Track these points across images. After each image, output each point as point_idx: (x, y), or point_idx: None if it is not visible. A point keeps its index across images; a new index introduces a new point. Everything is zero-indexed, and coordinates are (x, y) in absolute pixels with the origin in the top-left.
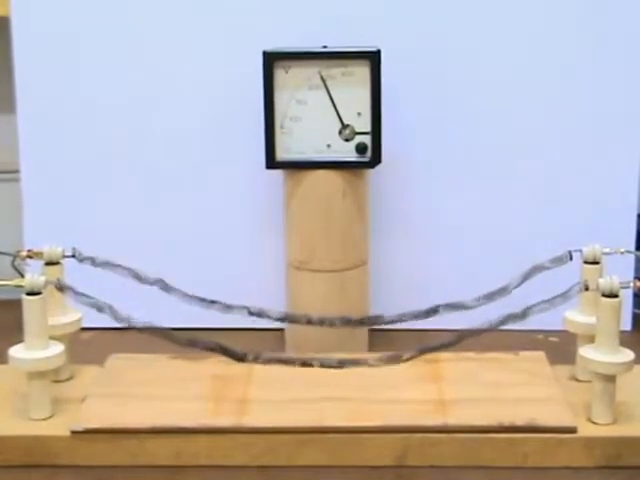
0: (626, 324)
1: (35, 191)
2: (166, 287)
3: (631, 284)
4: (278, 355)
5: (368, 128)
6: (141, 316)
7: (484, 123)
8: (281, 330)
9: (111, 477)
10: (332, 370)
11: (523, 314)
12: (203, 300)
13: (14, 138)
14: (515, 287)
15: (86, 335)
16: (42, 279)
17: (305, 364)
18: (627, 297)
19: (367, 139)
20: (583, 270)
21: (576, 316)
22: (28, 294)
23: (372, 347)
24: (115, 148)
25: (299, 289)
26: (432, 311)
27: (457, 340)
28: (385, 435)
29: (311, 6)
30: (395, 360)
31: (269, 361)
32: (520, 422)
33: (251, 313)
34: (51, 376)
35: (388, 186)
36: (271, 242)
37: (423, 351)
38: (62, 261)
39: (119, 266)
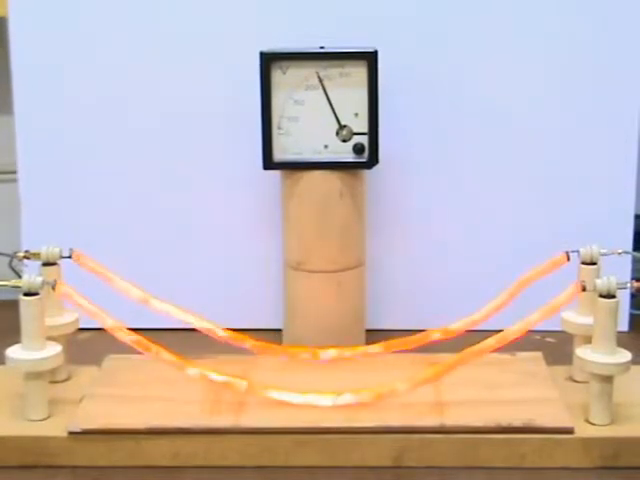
0: (623, 325)
1: (32, 192)
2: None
3: (628, 285)
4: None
5: (365, 129)
6: (140, 315)
7: (482, 124)
8: (279, 330)
9: (108, 478)
10: (329, 371)
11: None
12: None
13: (11, 139)
14: (510, 300)
15: (84, 336)
16: (39, 280)
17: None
18: (624, 298)
19: (364, 140)
20: (580, 271)
21: (573, 317)
22: (25, 295)
23: None
24: (112, 149)
25: (296, 290)
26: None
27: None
28: (382, 436)
29: (308, 6)
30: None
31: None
32: (518, 423)
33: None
34: (48, 377)
35: (385, 187)
36: (268, 243)
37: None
38: (59, 262)
39: (113, 278)
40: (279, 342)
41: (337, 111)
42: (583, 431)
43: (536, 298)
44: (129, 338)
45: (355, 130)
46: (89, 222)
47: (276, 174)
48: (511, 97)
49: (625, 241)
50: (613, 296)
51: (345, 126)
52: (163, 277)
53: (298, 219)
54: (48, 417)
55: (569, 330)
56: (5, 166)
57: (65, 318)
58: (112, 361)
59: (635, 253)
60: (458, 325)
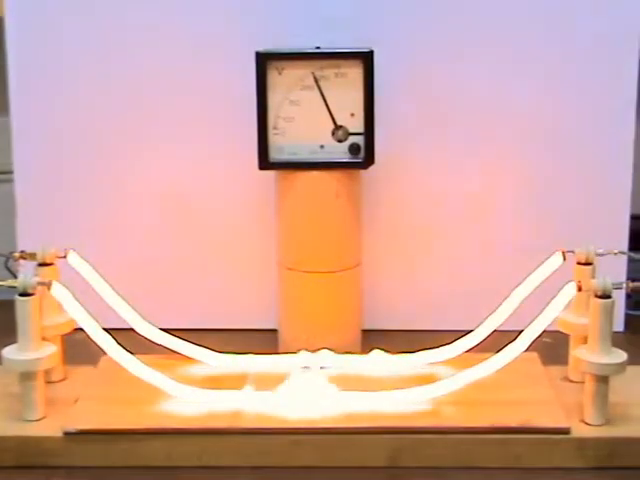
0: (619, 325)
1: (29, 192)
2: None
3: (624, 285)
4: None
5: (361, 129)
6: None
7: (478, 124)
8: (274, 331)
9: (104, 478)
10: (326, 371)
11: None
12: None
13: (8, 139)
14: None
15: (80, 336)
16: (35, 280)
17: None
18: (620, 298)
19: (360, 140)
20: (576, 271)
21: (569, 317)
22: (21, 295)
23: (365, 346)
24: (109, 150)
25: (291, 290)
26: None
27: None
28: (378, 436)
29: (304, 6)
30: None
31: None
32: (513, 423)
33: None
34: (44, 377)
35: (381, 187)
36: (264, 243)
37: None
38: (55, 262)
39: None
40: (274, 342)
41: (333, 111)
42: (579, 431)
43: (530, 299)
44: (111, 352)
45: (351, 130)
46: (85, 222)
47: (271, 174)
48: (509, 97)
49: (621, 241)
50: (609, 296)
51: (341, 126)
52: (159, 277)
53: (294, 219)
54: (44, 417)
55: (565, 330)
56: (1, 166)
57: (62, 318)
58: (108, 361)
59: (631, 253)
60: (462, 345)
